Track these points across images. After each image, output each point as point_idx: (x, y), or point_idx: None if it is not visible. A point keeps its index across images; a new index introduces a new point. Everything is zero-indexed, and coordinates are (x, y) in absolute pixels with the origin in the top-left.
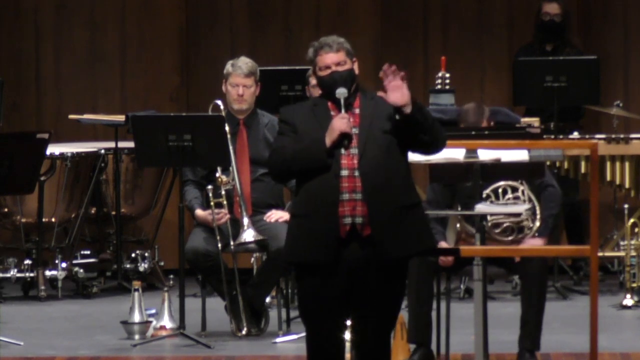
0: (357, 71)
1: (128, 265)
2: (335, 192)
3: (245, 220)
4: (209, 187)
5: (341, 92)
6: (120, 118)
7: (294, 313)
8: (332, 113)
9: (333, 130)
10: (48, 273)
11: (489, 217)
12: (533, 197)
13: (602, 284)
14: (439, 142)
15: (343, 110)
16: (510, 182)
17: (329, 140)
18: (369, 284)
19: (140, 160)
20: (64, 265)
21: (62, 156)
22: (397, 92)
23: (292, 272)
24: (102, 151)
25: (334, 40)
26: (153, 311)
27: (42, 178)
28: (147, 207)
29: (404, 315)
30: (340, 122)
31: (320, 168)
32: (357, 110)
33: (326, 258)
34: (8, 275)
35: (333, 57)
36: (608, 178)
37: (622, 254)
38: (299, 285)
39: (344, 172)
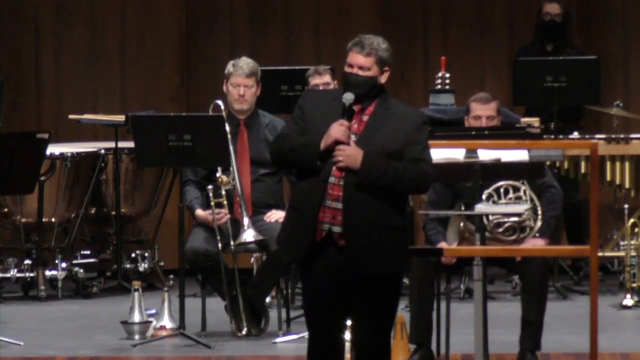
0: (383, 80)
1: (128, 265)
2: (318, 196)
3: (246, 221)
4: (210, 187)
5: (347, 98)
6: (120, 118)
7: (294, 313)
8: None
9: (328, 136)
10: (48, 273)
11: (491, 217)
12: (534, 197)
13: (602, 284)
14: (414, 189)
15: (345, 117)
16: (511, 182)
17: (323, 144)
18: (359, 290)
19: (140, 160)
20: (64, 265)
21: (62, 156)
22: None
23: (292, 272)
24: (102, 151)
25: (370, 44)
26: (153, 311)
27: (42, 178)
28: (147, 207)
29: (404, 315)
30: (337, 130)
31: (310, 169)
32: (365, 118)
33: (299, 256)
34: (8, 275)
35: (359, 60)
36: (608, 178)
37: (622, 254)
38: (302, 283)
39: (332, 179)
